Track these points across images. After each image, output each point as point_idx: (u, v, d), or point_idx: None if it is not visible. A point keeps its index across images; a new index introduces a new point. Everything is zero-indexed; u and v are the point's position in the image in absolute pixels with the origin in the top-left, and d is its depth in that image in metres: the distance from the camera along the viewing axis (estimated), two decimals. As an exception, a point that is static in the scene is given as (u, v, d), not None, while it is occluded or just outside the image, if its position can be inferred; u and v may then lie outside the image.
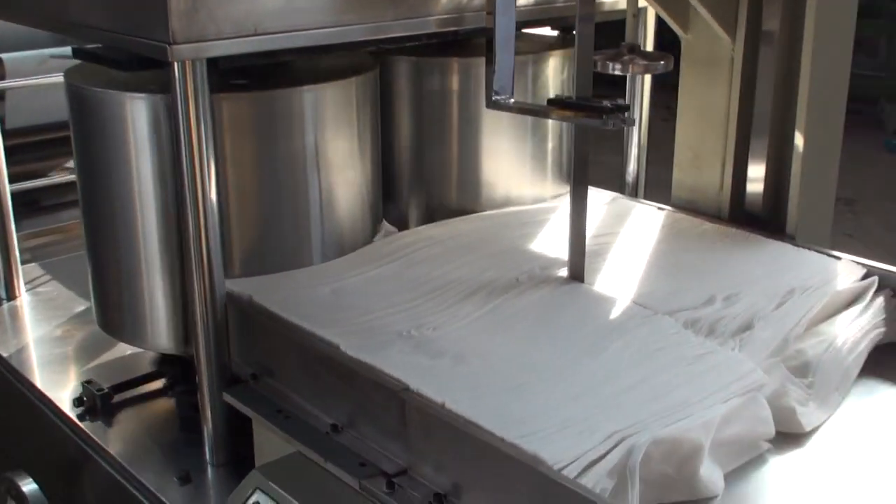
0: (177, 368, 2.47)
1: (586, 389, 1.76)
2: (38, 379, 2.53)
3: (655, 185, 2.97)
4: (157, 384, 2.49)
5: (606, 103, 2.06)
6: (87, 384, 2.42)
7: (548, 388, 1.76)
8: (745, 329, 2.01)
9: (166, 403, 2.44)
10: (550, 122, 2.69)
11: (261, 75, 2.16)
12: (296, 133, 2.21)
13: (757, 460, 1.79)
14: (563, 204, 2.67)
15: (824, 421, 1.90)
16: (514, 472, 1.56)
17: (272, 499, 1.78)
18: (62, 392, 2.47)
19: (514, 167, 2.66)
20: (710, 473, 1.68)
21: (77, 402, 2.40)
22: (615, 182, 2.97)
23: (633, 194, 2.90)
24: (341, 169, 2.30)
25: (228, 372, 2.13)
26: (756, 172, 2.58)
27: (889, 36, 9.04)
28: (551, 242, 2.39)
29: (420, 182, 2.64)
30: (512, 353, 1.89)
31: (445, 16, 2.24)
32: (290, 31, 2.00)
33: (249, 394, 2.08)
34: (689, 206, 2.70)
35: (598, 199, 2.71)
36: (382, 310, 2.05)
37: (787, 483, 1.71)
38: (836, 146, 2.59)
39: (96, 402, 2.39)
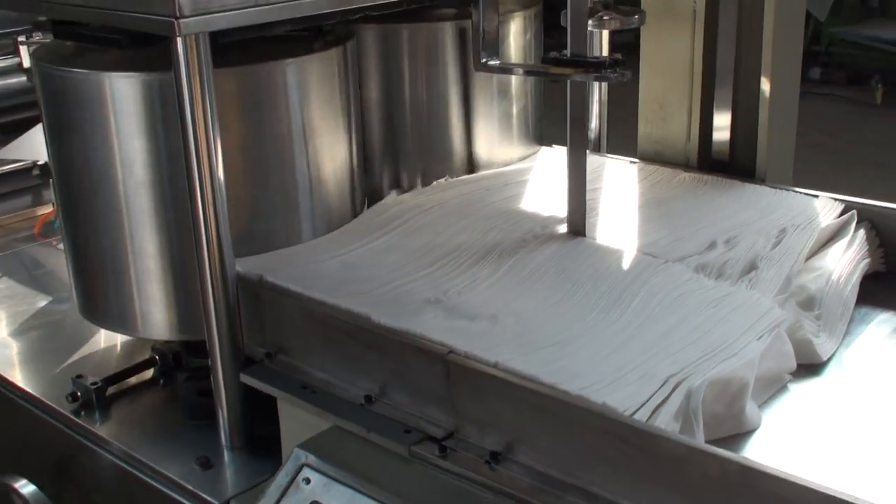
0: (167, 355, 2.43)
1: (628, 338, 1.80)
2: (22, 379, 2.46)
3: (612, 144, 3.04)
4: (150, 372, 2.44)
5: (604, 58, 2.10)
6: (77, 379, 2.37)
7: (590, 340, 1.80)
8: (750, 270, 2.09)
9: (163, 391, 2.41)
10: (514, 85, 2.73)
11: (237, 51, 2.13)
12: (281, 108, 2.19)
13: (782, 391, 1.87)
14: (536, 164, 2.73)
15: (836, 350, 2.00)
16: (582, 422, 1.59)
17: (323, 474, 1.78)
18: (51, 389, 2.41)
19: (484, 132, 2.69)
20: (752, 408, 1.75)
21: (70, 397, 2.35)
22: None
23: (597, 150, 2.95)
24: (328, 142, 2.29)
25: (242, 354, 2.11)
26: (722, 121, 2.66)
27: None
28: (540, 201, 2.44)
29: (392, 152, 2.64)
30: (543, 310, 1.92)
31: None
32: (290, 0, 1.97)
33: (268, 373, 2.07)
34: (656, 158, 2.77)
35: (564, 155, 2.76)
36: (400, 279, 2.05)
37: (813, 411, 1.80)
38: (795, 89, 2.69)
39: (91, 396, 2.34)
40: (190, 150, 1.95)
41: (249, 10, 1.92)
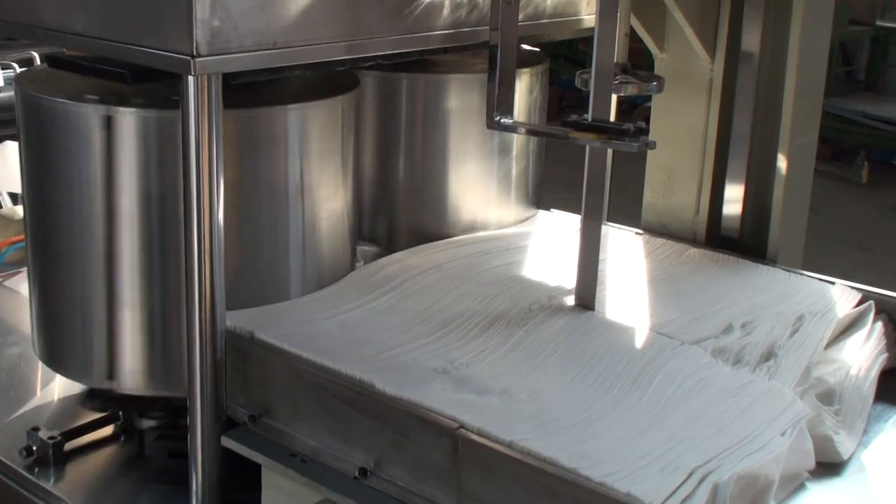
0: (132, 409, 2.44)
1: (650, 423, 1.85)
2: (-33, 430, 2.44)
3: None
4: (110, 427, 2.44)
5: (628, 125, 2.17)
6: (33, 432, 2.36)
7: (611, 423, 1.85)
8: (768, 357, 2.16)
9: (124, 448, 2.40)
10: (516, 143, 2.79)
11: (235, 93, 2.17)
12: (279, 155, 2.23)
13: (799, 489, 1.93)
14: (535, 228, 2.79)
15: (855, 449, 2.06)
16: (604, 512, 1.64)
17: (315, 550, 1.80)
18: (2, 442, 2.39)
19: (480, 190, 2.74)
20: (773, 506, 1.81)
21: (24, 452, 2.33)
22: (572, 203, 3.10)
23: (596, 217, 3.02)
24: (325, 194, 2.33)
25: (224, 414, 2.13)
26: (734, 194, 2.74)
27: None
28: (544, 269, 2.49)
29: (384, 204, 2.69)
30: (558, 387, 1.96)
31: (447, 31, 2.31)
32: (307, 44, 2.02)
33: (253, 437, 2.08)
34: (661, 230, 2.85)
35: (568, 223, 2.82)
36: (403, 345, 2.09)
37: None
38: (810, 167, 2.78)
39: (47, 451, 2.33)
40: (191, 194, 1.98)
41: (266, 52, 1.96)
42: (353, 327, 2.16)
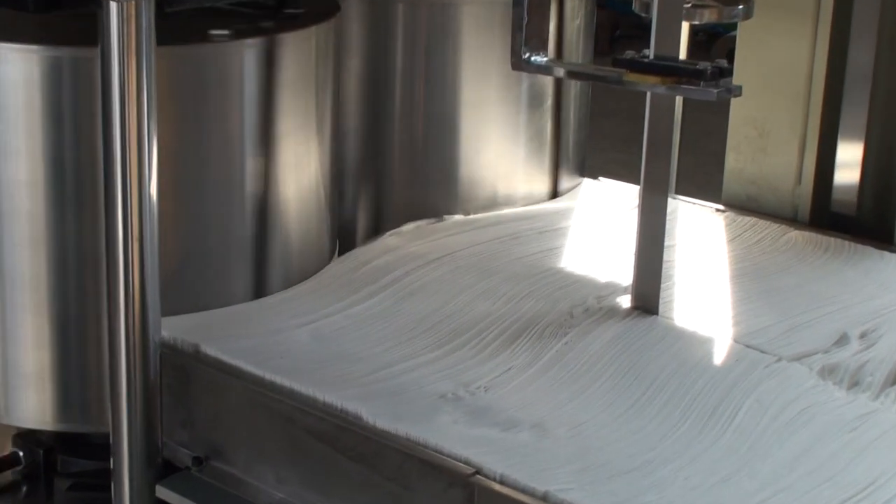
0: (37, 451, 2.45)
1: (735, 469, 1.85)
2: None
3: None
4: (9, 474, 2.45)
5: (704, 65, 2.16)
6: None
7: (680, 468, 1.85)
8: (896, 378, 2.16)
9: (28, 501, 2.41)
10: (552, 90, 2.78)
11: (173, 25, 2.15)
12: (232, 106, 2.23)
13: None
14: (577, 203, 2.79)
15: None
16: (675, 588, 1.64)
17: None
18: None
19: (503, 153, 2.75)
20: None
21: None
22: (627, 169, 3.10)
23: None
24: (293, 158, 2.34)
25: (159, 456, 2.14)
26: (849, 156, 2.73)
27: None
28: (590, 258, 2.50)
29: (373, 170, 2.71)
30: (610, 419, 1.96)
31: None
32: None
33: (198, 486, 2.10)
34: (750, 205, 2.84)
35: (621, 196, 2.83)
36: (400, 362, 2.09)
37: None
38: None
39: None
40: (113, 159, 1.97)
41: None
42: (332, 338, 2.15)
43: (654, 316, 2.27)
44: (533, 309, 2.26)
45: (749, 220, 2.70)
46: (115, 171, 1.97)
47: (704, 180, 2.90)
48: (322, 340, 2.14)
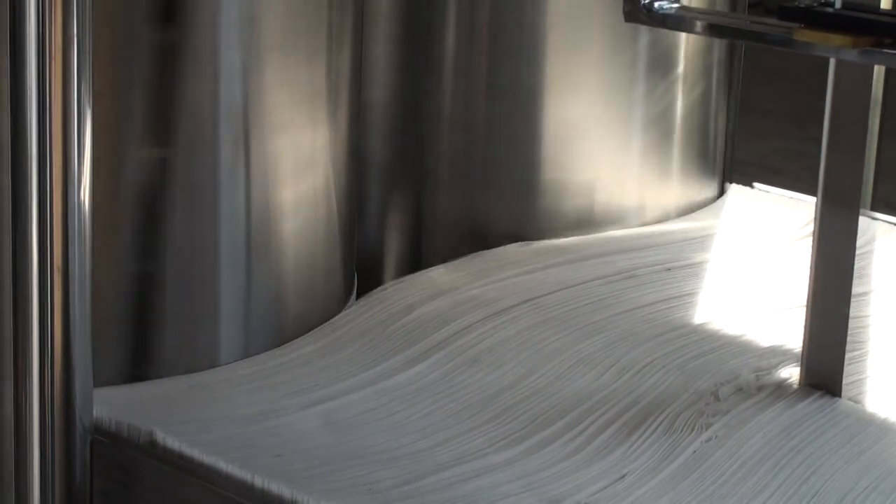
0: None
1: None
2: None
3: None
4: None
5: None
6: None
7: None
8: None
9: None
10: (685, 53, 2.80)
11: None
12: (203, 70, 2.27)
13: None
14: (723, 223, 2.78)
15: None
16: None
17: None
18: None
19: (610, 146, 2.78)
20: None
21: None
22: (796, 169, 3.10)
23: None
24: (292, 149, 2.37)
25: None
26: None
27: None
28: (740, 310, 2.49)
29: (412, 172, 2.74)
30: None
31: None
32: None
33: None
34: None
35: (787, 213, 2.82)
36: (457, 465, 2.07)
37: None
38: None
39: None
40: (24, 146, 1.97)
41: None
42: (352, 427, 2.15)
43: (839, 399, 2.25)
44: (658, 386, 2.25)
45: None
46: (27, 166, 1.97)
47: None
48: (337, 429, 2.13)
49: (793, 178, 2.76)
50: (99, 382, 2.12)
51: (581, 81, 2.66)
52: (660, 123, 2.72)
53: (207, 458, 2.07)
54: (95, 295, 2.08)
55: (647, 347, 2.34)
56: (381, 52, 2.61)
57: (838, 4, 2.16)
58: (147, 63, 2.23)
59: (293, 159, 2.34)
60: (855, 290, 2.36)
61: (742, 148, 2.77)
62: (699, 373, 2.31)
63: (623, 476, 2.10)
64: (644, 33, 2.62)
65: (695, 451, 2.15)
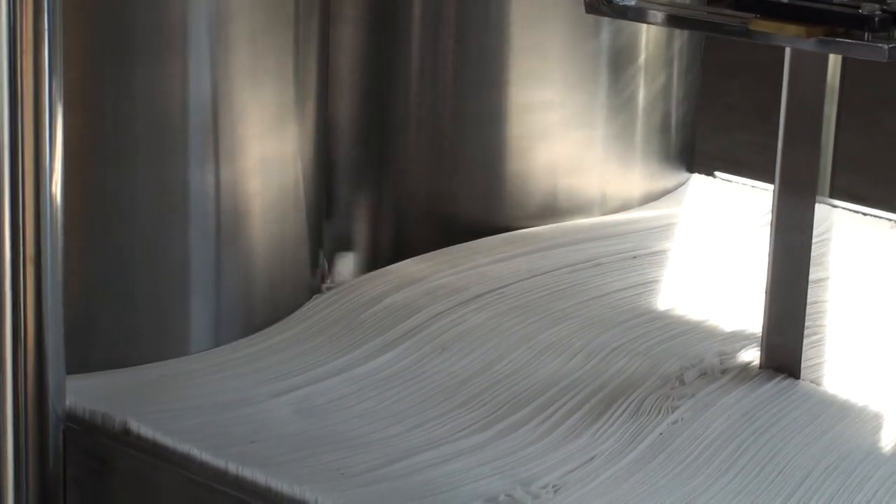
0: None
1: None
2: None
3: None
4: None
5: (870, 8, 2.15)
6: None
7: None
8: None
9: None
10: (645, 45, 2.81)
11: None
12: (172, 62, 2.28)
13: None
14: (683, 210, 2.79)
15: None
16: None
17: None
18: None
19: (573, 138, 2.79)
20: None
21: None
22: (757, 160, 3.09)
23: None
24: (259, 142, 2.37)
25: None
26: None
27: None
28: (703, 297, 2.51)
29: (381, 164, 2.74)
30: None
31: None
32: None
33: None
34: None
35: (748, 201, 2.83)
36: (428, 449, 2.08)
37: None
38: None
39: None
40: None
41: None
42: (325, 413, 2.16)
43: (798, 381, 2.27)
44: (625, 371, 2.26)
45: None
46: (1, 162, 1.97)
47: (880, 175, 2.88)
48: (310, 416, 2.14)
49: (758, 170, 2.76)
50: (72, 371, 2.11)
51: (545, 72, 2.66)
52: (621, 113, 2.73)
53: (182, 446, 2.07)
54: (68, 290, 2.08)
55: (614, 333, 2.35)
56: (348, 49, 2.60)
57: (796, -1, 2.16)
58: (115, 56, 2.22)
59: (261, 150, 2.33)
60: (813, 276, 2.38)
61: (707, 141, 2.77)
62: (664, 357, 2.32)
63: (592, 458, 2.11)
64: (605, 25, 2.61)
65: (661, 434, 2.16)
